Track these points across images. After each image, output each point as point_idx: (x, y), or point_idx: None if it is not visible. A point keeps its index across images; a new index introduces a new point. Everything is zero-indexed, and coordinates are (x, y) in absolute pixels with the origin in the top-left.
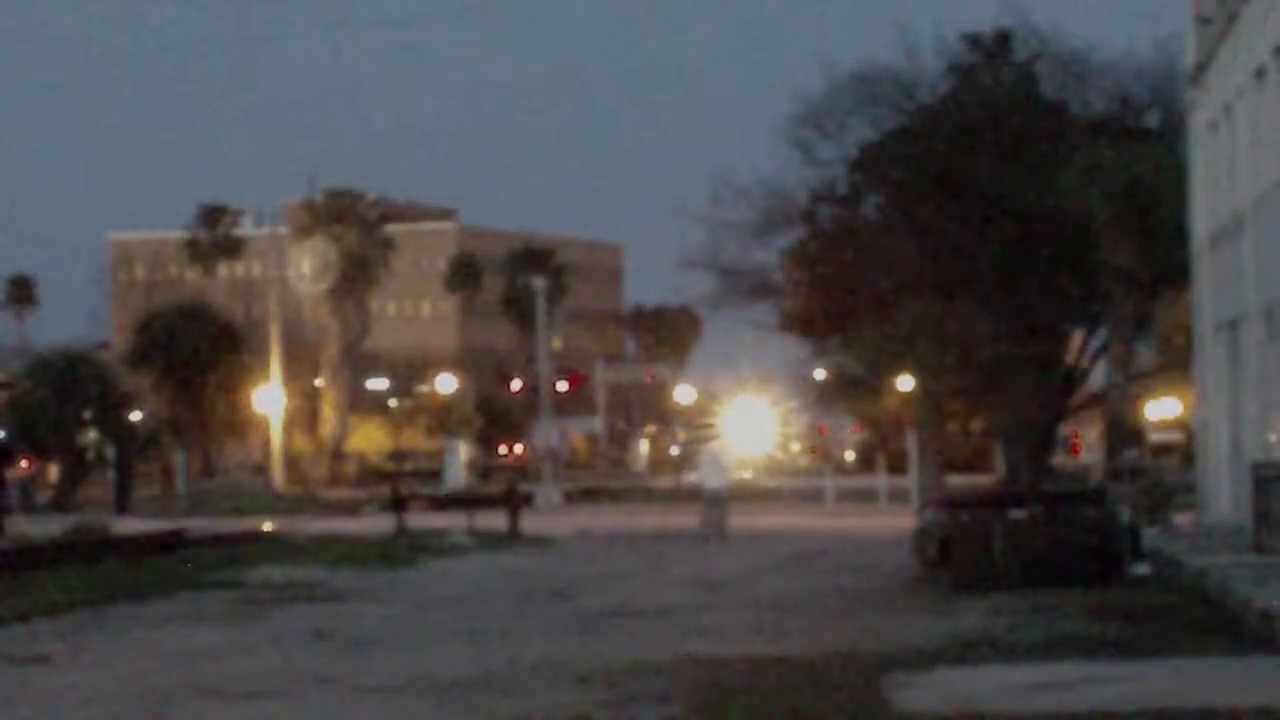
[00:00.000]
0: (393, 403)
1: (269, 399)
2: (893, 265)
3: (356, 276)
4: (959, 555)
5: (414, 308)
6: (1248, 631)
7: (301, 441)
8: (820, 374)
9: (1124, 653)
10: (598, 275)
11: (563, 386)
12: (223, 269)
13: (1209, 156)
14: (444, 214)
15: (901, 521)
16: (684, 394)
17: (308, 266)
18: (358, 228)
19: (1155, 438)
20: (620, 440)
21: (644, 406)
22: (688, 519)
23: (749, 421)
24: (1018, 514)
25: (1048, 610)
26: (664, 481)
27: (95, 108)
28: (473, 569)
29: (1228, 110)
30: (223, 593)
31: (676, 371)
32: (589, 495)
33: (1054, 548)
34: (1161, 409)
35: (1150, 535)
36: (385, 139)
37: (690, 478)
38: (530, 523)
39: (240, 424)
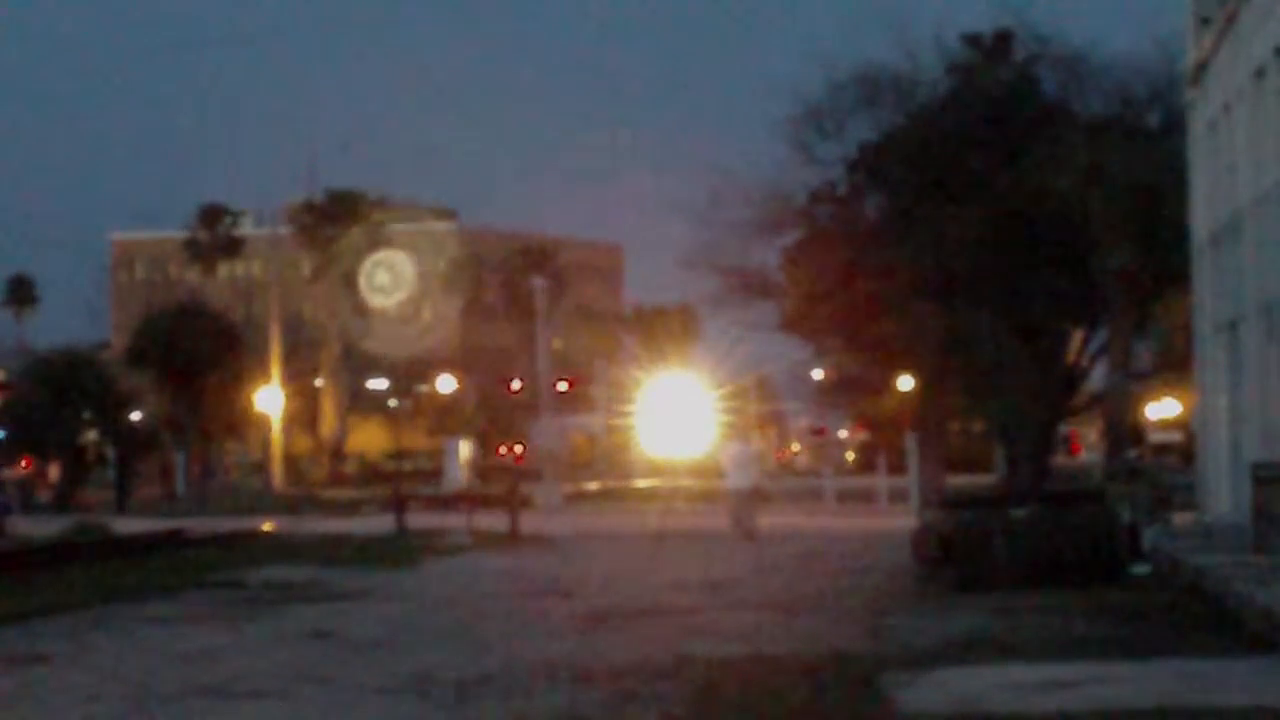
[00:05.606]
0: (393, 403)
1: (269, 399)
2: (893, 265)
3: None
4: (959, 555)
5: (414, 308)
6: (1248, 631)
7: (301, 441)
8: (820, 374)
9: (1124, 653)
10: (598, 275)
11: (563, 387)
12: (223, 269)
13: (1209, 156)
14: (444, 214)
15: (901, 521)
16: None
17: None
18: (358, 228)
19: (1155, 438)
20: (620, 440)
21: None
22: (687, 519)
23: (678, 407)
24: (1018, 514)
25: (1047, 610)
26: (663, 481)
27: (96, 108)
28: (473, 569)
29: (1228, 110)
30: (223, 593)
31: (676, 371)
32: (589, 495)
33: (1054, 548)
34: (1161, 409)
35: (1150, 535)
36: (385, 139)
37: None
38: (530, 523)
39: (240, 424)
